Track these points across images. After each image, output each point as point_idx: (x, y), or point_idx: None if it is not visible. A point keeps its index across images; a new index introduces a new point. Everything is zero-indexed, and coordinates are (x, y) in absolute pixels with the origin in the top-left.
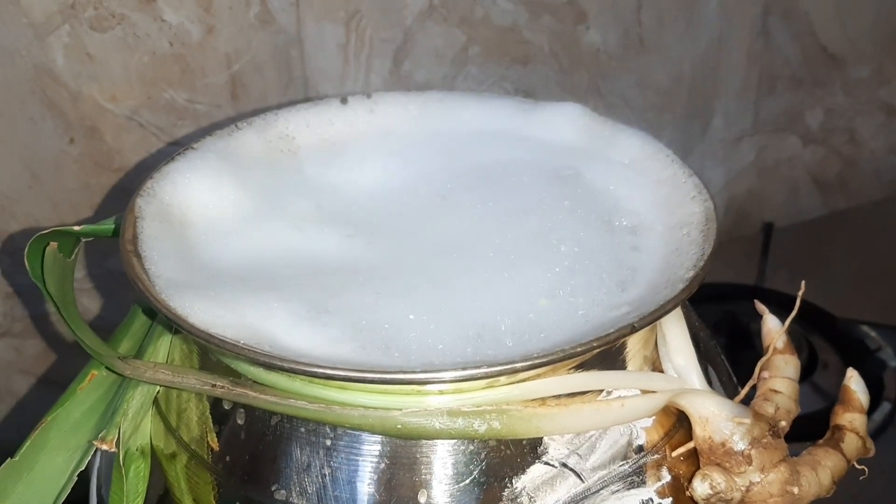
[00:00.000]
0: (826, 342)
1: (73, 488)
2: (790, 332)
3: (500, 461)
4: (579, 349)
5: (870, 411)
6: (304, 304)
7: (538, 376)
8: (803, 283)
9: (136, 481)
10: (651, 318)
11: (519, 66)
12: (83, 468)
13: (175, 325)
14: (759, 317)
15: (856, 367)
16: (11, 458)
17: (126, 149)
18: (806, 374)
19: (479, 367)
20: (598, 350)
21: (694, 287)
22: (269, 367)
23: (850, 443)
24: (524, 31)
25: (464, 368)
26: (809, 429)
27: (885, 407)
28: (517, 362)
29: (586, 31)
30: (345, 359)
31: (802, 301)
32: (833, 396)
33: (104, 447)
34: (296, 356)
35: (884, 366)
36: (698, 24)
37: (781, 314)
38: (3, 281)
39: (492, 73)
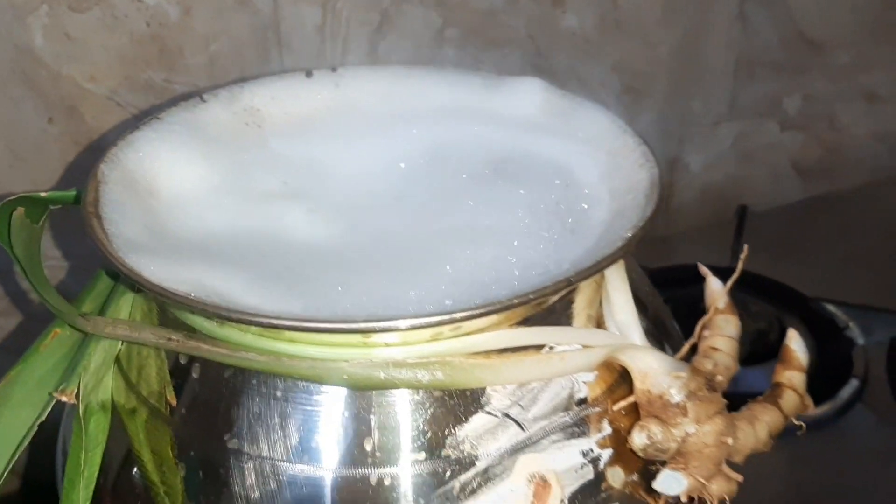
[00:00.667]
0: (797, 321)
1: (40, 448)
2: (762, 311)
3: (445, 411)
4: (516, 301)
5: (838, 387)
6: (259, 270)
7: (481, 331)
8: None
9: (96, 433)
10: (586, 273)
11: (496, 50)
12: (43, 419)
13: (132, 281)
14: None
15: (825, 346)
16: None
17: (105, 128)
18: (776, 352)
19: (419, 316)
20: (534, 301)
21: (631, 245)
22: (221, 317)
23: (789, 399)
24: (501, 14)
25: (405, 318)
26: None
27: (854, 383)
28: (455, 313)
29: (563, 14)
30: (294, 314)
31: (775, 282)
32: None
33: (63, 398)
34: (246, 308)
35: (852, 344)
36: (676, 8)
37: (756, 295)
38: None
39: (468, 56)
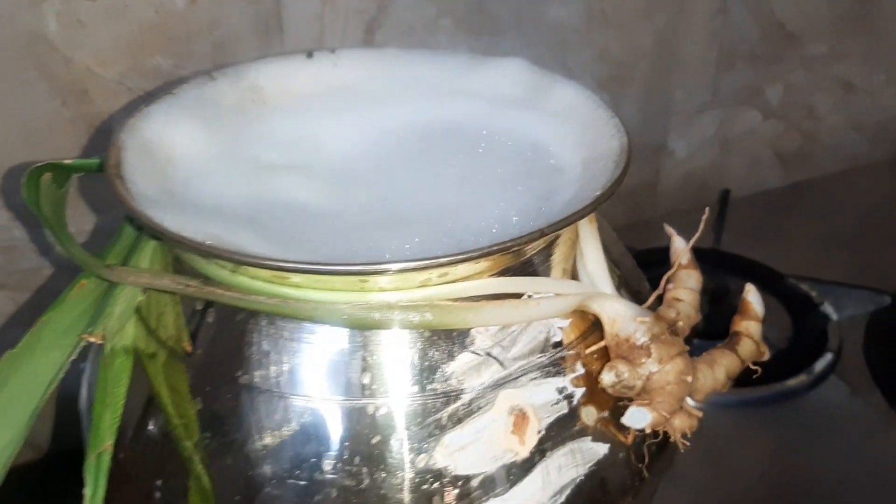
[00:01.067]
0: (774, 298)
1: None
2: (741, 289)
3: (434, 349)
4: (495, 248)
5: (813, 360)
6: (265, 229)
7: (466, 278)
8: None
9: (119, 372)
10: (558, 226)
11: (487, 38)
12: (74, 357)
13: (155, 233)
14: (715, 276)
15: (802, 321)
16: (11, 349)
17: (115, 111)
18: None
19: (410, 260)
20: (512, 249)
21: (600, 202)
22: (235, 262)
23: (746, 346)
24: (492, 4)
25: (397, 262)
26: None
27: (828, 357)
28: (442, 258)
29: (551, 5)
30: (300, 259)
31: (754, 262)
32: (778, 348)
33: (91, 339)
34: (257, 255)
35: (827, 319)
36: (658, 0)
37: (735, 275)
38: (1, 235)
39: (460, 45)
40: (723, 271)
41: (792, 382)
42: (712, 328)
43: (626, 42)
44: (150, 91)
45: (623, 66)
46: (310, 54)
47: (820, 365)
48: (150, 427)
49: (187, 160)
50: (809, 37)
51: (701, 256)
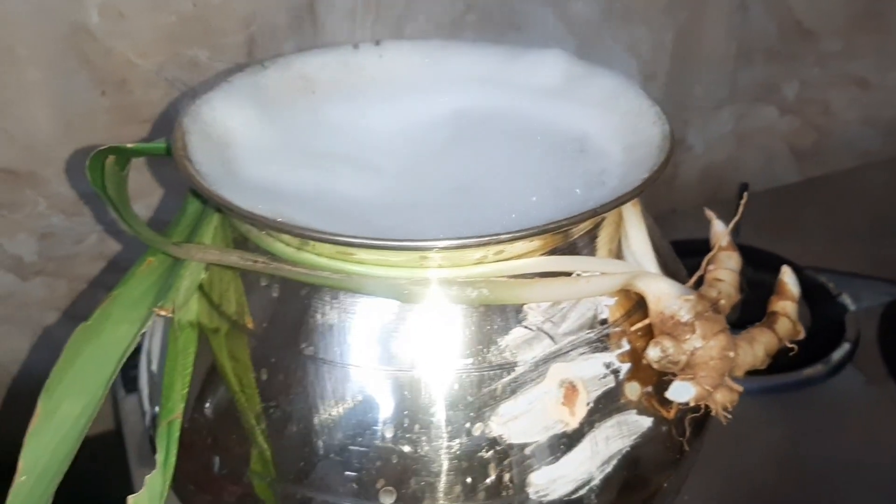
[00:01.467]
0: None
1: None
2: (760, 281)
3: (489, 324)
4: (552, 226)
5: (830, 350)
6: (326, 210)
7: (519, 257)
8: None
9: (186, 345)
10: (609, 207)
11: (513, 33)
12: (146, 329)
13: (224, 210)
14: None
15: (819, 311)
16: (84, 322)
17: (153, 102)
18: None
19: (471, 237)
20: (567, 228)
21: (647, 185)
22: (306, 237)
23: (783, 325)
24: (517, 1)
25: (458, 238)
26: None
27: (845, 347)
28: (502, 234)
29: (574, 1)
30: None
31: (772, 255)
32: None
33: (162, 313)
34: (328, 230)
35: (845, 309)
36: None
37: (753, 266)
38: (39, 222)
39: (487, 39)
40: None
41: (809, 371)
42: (733, 318)
43: (647, 37)
44: (186, 88)
45: (644, 62)
46: (356, 46)
47: (837, 355)
48: (212, 398)
49: (244, 144)
50: (825, 34)
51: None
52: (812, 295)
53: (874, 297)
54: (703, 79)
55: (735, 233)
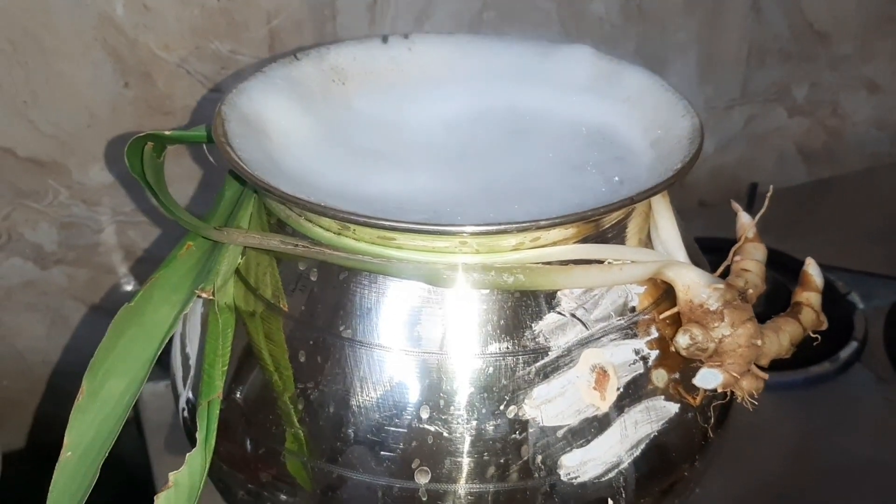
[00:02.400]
0: None
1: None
2: (770, 279)
3: (524, 309)
4: (589, 213)
5: (839, 348)
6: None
7: (553, 244)
8: None
9: (226, 327)
10: (644, 195)
11: (530, 31)
12: (186, 311)
13: (268, 194)
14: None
15: (828, 309)
16: (128, 303)
17: (175, 94)
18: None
19: (509, 222)
20: (601, 216)
21: (681, 175)
22: (349, 221)
23: (807, 315)
24: None
25: (495, 224)
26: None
27: (853, 345)
28: (539, 220)
29: (591, 1)
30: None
31: (782, 254)
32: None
33: (203, 295)
34: (370, 214)
35: (853, 308)
36: None
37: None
38: (60, 211)
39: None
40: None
41: (818, 369)
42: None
43: (661, 38)
44: (215, 88)
45: (658, 62)
46: (385, 39)
47: (846, 353)
48: (248, 380)
49: (280, 134)
50: (837, 37)
51: (730, 247)
52: (821, 293)
53: (883, 296)
54: (716, 79)
55: None
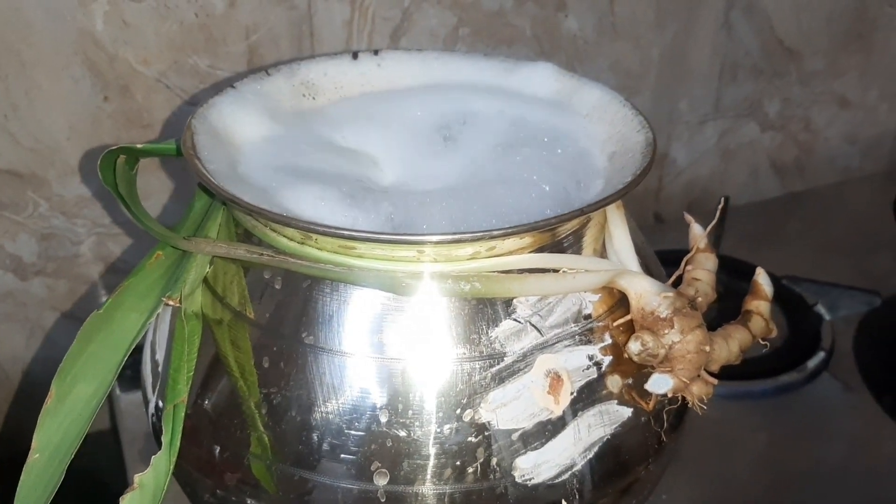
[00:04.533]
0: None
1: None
2: (739, 290)
3: (480, 316)
4: (541, 224)
5: (807, 358)
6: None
7: (509, 253)
8: None
9: (192, 333)
10: (595, 207)
11: (504, 47)
12: (154, 319)
13: (233, 205)
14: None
15: (796, 320)
16: (97, 310)
17: (154, 108)
18: None
19: (465, 232)
20: (555, 226)
21: (631, 187)
22: (308, 231)
23: (756, 323)
24: (510, 15)
25: (452, 234)
26: (753, 369)
27: (821, 354)
28: (493, 230)
29: (565, 18)
30: (367, 229)
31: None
32: (774, 346)
33: (171, 303)
34: (330, 224)
35: (821, 319)
36: (666, 15)
37: (733, 276)
38: (39, 223)
39: (479, 53)
40: (721, 273)
41: (786, 378)
42: (714, 325)
43: (635, 54)
44: (188, 96)
45: (632, 77)
46: (355, 55)
47: (813, 362)
48: (215, 387)
49: (248, 145)
50: (807, 53)
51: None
52: (789, 304)
53: (850, 307)
54: (689, 94)
55: (716, 244)
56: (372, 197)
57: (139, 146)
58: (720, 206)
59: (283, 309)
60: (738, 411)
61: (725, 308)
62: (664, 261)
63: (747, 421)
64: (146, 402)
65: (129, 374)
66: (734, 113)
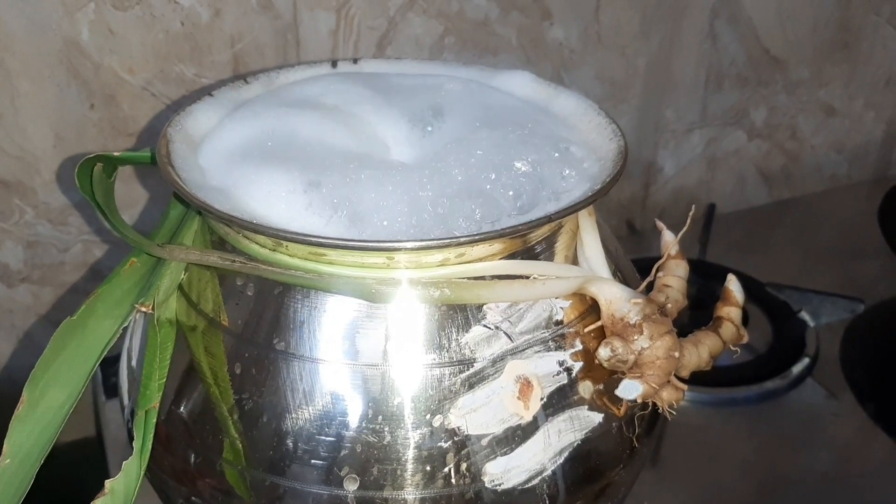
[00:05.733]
0: (756, 306)
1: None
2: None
3: (450, 322)
4: (508, 231)
5: (790, 365)
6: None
7: (480, 260)
8: None
9: (165, 340)
10: (563, 213)
11: (489, 56)
12: (126, 325)
13: (205, 213)
14: (703, 285)
15: (781, 327)
16: (70, 316)
17: (140, 116)
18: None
19: (433, 239)
20: (522, 232)
21: (598, 196)
22: (279, 238)
23: (727, 329)
24: (495, 24)
25: (422, 240)
26: (737, 375)
27: (805, 360)
28: (461, 237)
29: (550, 27)
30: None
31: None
32: (758, 352)
33: (143, 310)
34: (299, 231)
35: (805, 325)
36: (652, 24)
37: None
38: (26, 230)
39: (463, 61)
40: (707, 280)
41: (771, 384)
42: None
43: (620, 63)
44: (171, 103)
45: (618, 86)
46: (334, 64)
47: (797, 368)
48: (189, 393)
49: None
50: (793, 63)
51: (689, 265)
52: (773, 311)
53: (834, 313)
54: (675, 103)
55: (702, 251)
56: (357, 196)
57: (116, 154)
58: (691, 213)
59: (255, 315)
60: (722, 417)
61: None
62: (649, 268)
63: (731, 427)
64: (122, 407)
65: (115, 381)
66: (721, 121)
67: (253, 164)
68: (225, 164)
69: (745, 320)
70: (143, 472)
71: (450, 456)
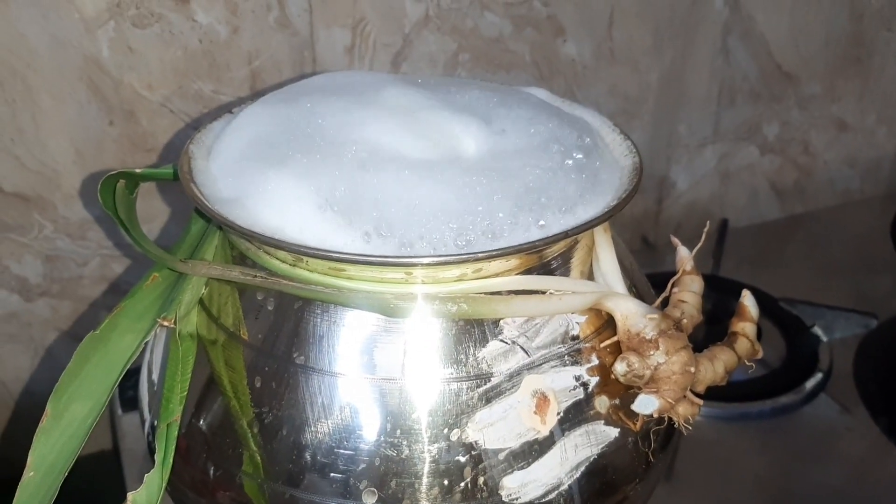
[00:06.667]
0: (769, 321)
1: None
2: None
3: (468, 337)
4: (525, 247)
5: (804, 380)
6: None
7: (496, 275)
8: None
9: (186, 354)
10: (580, 230)
11: (503, 73)
12: (149, 339)
13: (227, 229)
14: (716, 299)
15: (794, 342)
16: (93, 331)
17: (158, 132)
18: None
19: (450, 254)
20: (540, 249)
21: (614, 212)
22: (301, 253)
23: (742, 344)
24: (509, 41)
25: (439, 256)
26: (751, 390)
27: (818, 376)
28: (479, 252)
29: (564, 43)
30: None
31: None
32: (772, 367)
33: (165, 324)
34: (320, 247)
35: (818, 340)
36: (664, 40)
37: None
38: (45, 245)
39: (479, 78)
40: (721, 295)
41: (785, 399)
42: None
43: (633, 79)
44: (191, 120)
45: (630, 101)
46: None
47: (811, 383)
48: (209, 406)
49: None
50: (805, 78)
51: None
52: (787, 326)
53: (847, 329)
54: (688, 118)
55: (716, 266)
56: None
57: (138, 171)
58: (706, 229)
59: (275, 330)
60: (735, 432)
61: (721, 332)
62: (663, 282)
63: (745, 442)
64: (142, 421)
65: (132, 395)
66: (733, 136)
67: (269, 163)
68: (236, 165)
69: (759, 335)
70: (165, 485)
71: (467, 470)
